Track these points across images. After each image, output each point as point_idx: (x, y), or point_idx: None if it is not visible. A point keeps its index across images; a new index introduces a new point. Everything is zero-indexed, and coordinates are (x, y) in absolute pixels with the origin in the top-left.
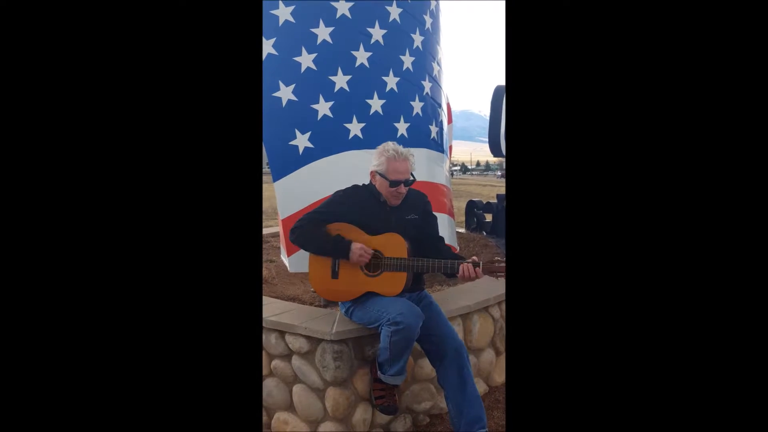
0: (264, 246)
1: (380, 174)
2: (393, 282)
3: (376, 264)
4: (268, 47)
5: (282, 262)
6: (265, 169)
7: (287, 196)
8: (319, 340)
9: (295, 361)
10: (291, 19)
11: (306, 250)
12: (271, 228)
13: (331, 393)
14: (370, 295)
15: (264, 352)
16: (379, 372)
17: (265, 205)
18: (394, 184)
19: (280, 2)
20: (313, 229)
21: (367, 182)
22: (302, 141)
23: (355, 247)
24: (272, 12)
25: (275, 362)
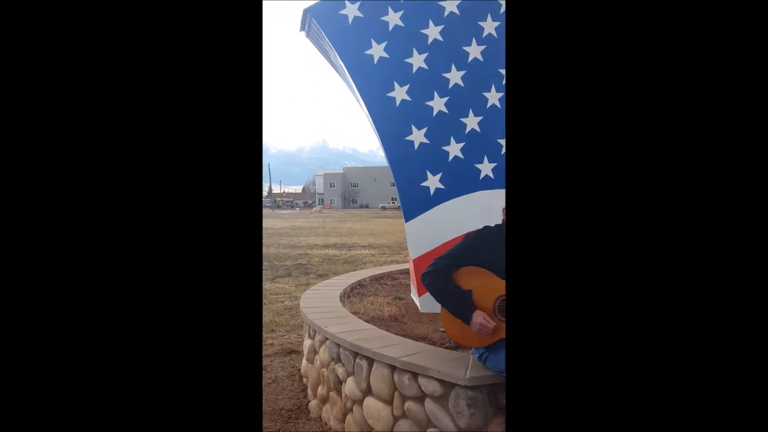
0: (392, 283)
1: None
2: None
3: None
4: (402, 93)
5: (410, 299)
6: (394, 204)
7: (418, 236)
8: (453, 385)
9: (428, 404)
10: (424, 66)
11: (435, 299)
12: (398, 265)
13: None
14: (504, 341)
15: (397, 393)
16: None
17: (390, 240)
18: None
19: (414, 51)
20: (443, 279)
21: (499, 222)
22: (433, 182)
23: (477, 318)
24: (407, 60)
25: (408, 404)
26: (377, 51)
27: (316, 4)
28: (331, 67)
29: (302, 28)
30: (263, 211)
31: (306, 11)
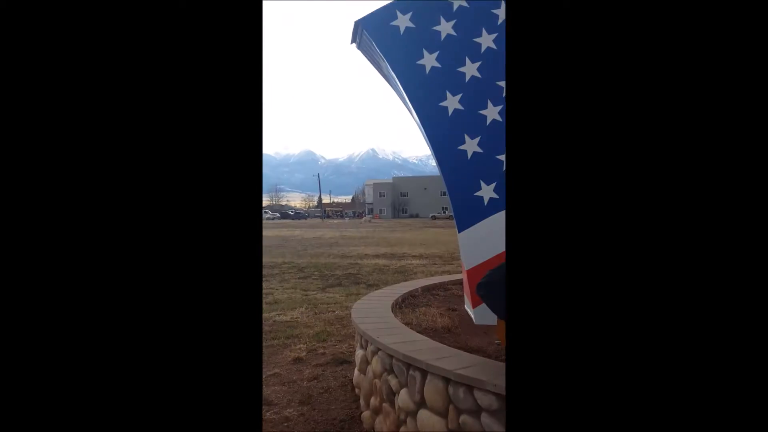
0: (444, 294)
1: None
2: None
3: None
4: (454, 103)
5: (464, 311)
6: (445, 214)
7: (472, 246)
8: None
9: (485, 418)
10: (477, 74)
11: (491, 310)
12: (450, 275)
13: None
14: None
15: (451, 406)
16: None
17: (441, 249)
18: None
19: (467, 59)
20: (499, 290)
21: None
22: (487, 192)
23: None
24: (459, 69)
25: (463, 417)
26: (429, 61)
27: (367, 15)
28: (381, 76)
29: (353, 40)
30: (313, 221)
31: (357, 23)
